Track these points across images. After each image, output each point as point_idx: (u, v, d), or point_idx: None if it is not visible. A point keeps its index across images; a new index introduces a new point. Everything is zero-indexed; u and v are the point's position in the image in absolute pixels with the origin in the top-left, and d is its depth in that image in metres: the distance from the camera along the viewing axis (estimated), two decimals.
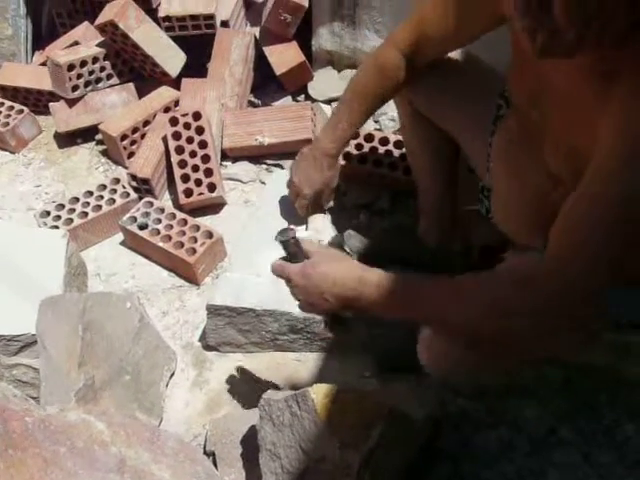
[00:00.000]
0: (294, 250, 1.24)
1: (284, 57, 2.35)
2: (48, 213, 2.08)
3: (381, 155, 2.07)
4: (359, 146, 2.09)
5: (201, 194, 2.08)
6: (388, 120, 2.24)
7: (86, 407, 1.19)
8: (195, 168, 2.11)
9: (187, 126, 2.15)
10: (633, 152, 0.88)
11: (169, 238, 1.97)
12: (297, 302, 1.24)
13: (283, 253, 1.25)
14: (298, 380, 1.68)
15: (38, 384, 1.56)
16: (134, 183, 2.16)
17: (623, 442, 1.50)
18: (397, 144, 2.07)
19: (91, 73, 2.36)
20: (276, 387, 1.72)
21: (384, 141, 2.09)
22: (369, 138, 2.11)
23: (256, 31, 2.44)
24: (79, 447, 1.04)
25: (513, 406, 1.55)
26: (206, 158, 2.11)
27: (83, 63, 2.33)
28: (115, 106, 2.41)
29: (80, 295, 1.60)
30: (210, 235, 1.96)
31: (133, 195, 2.13)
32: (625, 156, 0.89)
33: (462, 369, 1.27)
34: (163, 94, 2.37)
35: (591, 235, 0.93)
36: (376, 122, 2.27)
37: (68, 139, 2.45)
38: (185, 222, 2.00)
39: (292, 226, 1.34)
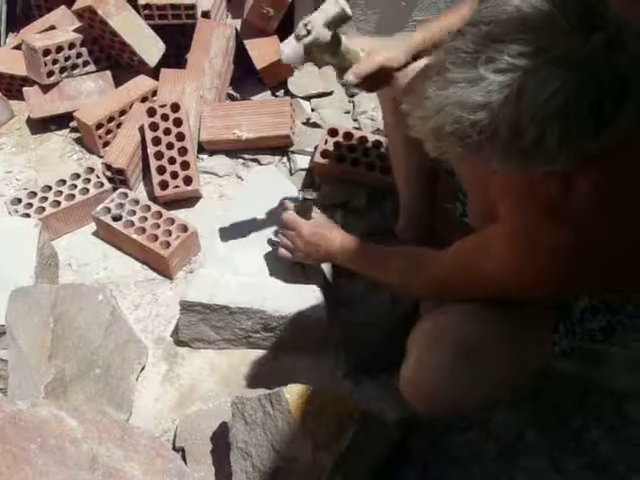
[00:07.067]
0: (309, 208, 1.57)
1: (265, 51, 2.33)
2: (19, 200, 2.03)
3: (359, 154, 2.07)
4: (337, 144, 2.09)
5: (177, 187, 2.06)
6: (367, 119, 2.24)
7: (57, 402, 1.17)
8: (172, 160, 2.08)
9: (165, 117, 2.12)
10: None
11: (143, 230, 1.94)
12: (281, 249, 1.62)
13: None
14: (270, 378, 1.67)
15: (5, 376, 1.52)
16: (108, 173, 2.12)
17: (590, 448, 1.52)
18: (375, 144, 2.08)
19: (67, 59, 2.31)
20: (247, 385, 1.72)
21: (362, 140, 2.09)
22: (347, 137, 2.10)
23: (237, 23, 2.41)
24: (50, 444, 1.03)
25: (482, 411, 1.57)
26: (183, 150, 2.09)
27: (59, 48, 2.28)
28: (91, 94, 2.36)
29: (51, 286, 1.57)
30: (185, 229, 1.94)
31: (107, 185, 2.09)
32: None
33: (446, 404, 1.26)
34: (141, 83, 2.33)
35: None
36: (355, 121, 2.26)
37: (41, 125, 2.40)
38: (160, 215, 1.97)
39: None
